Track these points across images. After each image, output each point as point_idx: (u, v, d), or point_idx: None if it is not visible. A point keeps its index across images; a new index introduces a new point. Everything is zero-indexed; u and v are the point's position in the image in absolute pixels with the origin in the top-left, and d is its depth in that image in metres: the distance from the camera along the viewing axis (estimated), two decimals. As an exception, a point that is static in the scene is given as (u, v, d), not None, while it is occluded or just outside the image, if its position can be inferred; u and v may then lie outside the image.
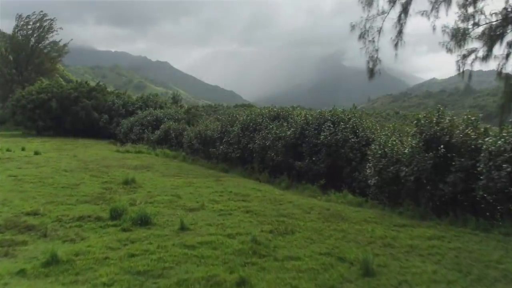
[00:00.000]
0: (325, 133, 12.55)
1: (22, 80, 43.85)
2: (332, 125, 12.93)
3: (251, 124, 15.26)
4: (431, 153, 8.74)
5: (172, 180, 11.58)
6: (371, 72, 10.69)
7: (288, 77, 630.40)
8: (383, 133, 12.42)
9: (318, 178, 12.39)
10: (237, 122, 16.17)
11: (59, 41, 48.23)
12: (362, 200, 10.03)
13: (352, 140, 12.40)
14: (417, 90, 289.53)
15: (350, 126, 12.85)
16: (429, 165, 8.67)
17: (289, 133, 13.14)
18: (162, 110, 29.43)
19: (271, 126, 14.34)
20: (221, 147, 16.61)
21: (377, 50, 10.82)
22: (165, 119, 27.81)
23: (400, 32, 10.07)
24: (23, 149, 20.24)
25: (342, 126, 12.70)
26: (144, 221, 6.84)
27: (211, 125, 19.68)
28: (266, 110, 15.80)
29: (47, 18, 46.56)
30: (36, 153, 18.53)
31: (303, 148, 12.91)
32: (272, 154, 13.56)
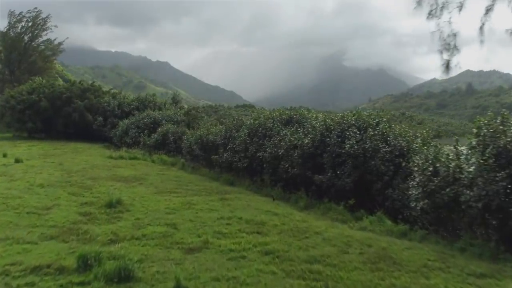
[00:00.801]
0: (350, 141, 10.50)
1: (14, 79, 41.85)
2: (358, 131, 10.90)
3: (260, 129, 13.22)
4: (502, 172, 6.71)
5: (168, 200, 9.50)
6: (447, 66, 7.82)
7: (289, 78, 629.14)
8: (421, 141, 10.43)
9: (342, 195, 10.36)
10: (243, 126, 14.13)
11: (54, 39, 46.24)
12: (405, 228, 7.97)
13: (384, 149, 10.37)
14: (418, 91, 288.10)
15: (379, 132, 10.83)
16: (501, 187, 6.64)
17: (306, 141, 11.08)
18: (160, 112, 27.40)
19: (284, 132, 12.30)
20: (225, 154, 14.56)
21: (455, 35, 7.92)
22: (163, 121, 25.80)
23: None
24: (4, 155, 18.19)
25: (371, 132, 10.66)
26: (124, 276, 4.80)
27: (213, 129, 17.65)
28: (277, 113, 13.75)
29: (41, 15, 44.61)
30: (17, 160, 16.49)
31: (324, 159, 10.86)
32: (287, 166, 11.51)
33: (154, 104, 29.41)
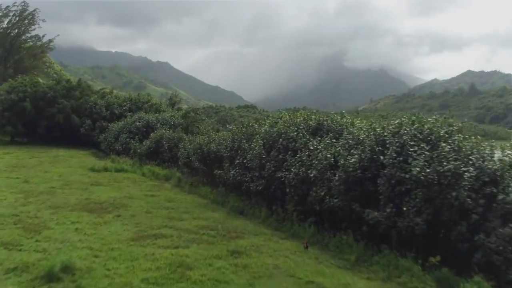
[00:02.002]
0: (418, 162, 7.18)
1: (-1, 78, 38.49)
2: (426, 147, 7.57)
3: (280, 140, 9.86)
4: None
5: (150, 256, 6.08)
6: None
7: (289, 78, 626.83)
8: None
9: (408, 242, 7.05)
10: (257, 136, 10.76)
11: (43, 36, 42.89)
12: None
13: (468, 174, 7.06)
14: (419, 91, 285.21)
15: (455, 148, 7.52)
16: None
17: (353, 160, 7.72)
18: (155, 114, 24.07)
19: (315, 146, 8.94)
20: (232, 171, 11.20)
21: None
22: (158, 125, 22.49)
23: None
24: (-39, 168, 14.93)
25: (446, 148, 7.33)
26: None
27: (216, 136, 14.31)
28: (301, 118, 10.38)
29: (28, 9, 41.26)
30: (-29, 176, 13.22)
31: (380, 187, 7.51)
32: (322, 193, 8.17)
33: (149, 105, 26.00)
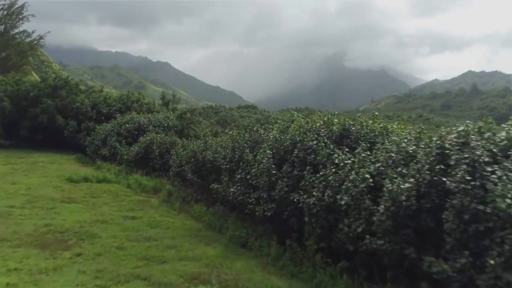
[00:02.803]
0: (504, 188, 4.88)
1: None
2: (510, 166, 5.26)
3: (294, 151, 7.52)
4: None
5: None
6: None
7: (290, 78, 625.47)
8: None
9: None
10: (264, 145, 8.40)
11: (32, 32, 40.58)
12: None
13: None
14: (419, 91, 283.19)
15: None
16: None
17: (407, 185, 5.38)
18: (147, 115, 21.74)
19: (344, 160, 6.58)
20: (232, 188, 8.86)
21: None
22: (151, 127, 20.18)
23: None
24: None
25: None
26: None
27: (214, 141, 11.97)
28: (320, 122, 8.02)
29: (17, 3, 39.02)
30: None
31: (446, 223, 5.19)
32: (358, 229, 5.83)
33: (139, 104, 23.61)
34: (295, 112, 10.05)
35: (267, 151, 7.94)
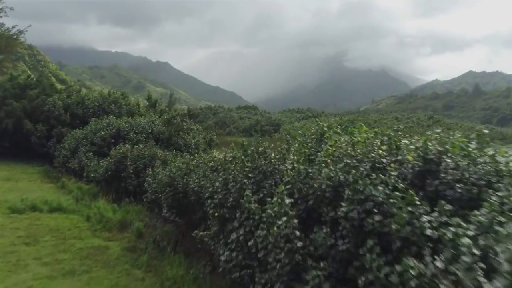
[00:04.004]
0: None
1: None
2: None
3: (342, 204, 3.96)
4: None
5: None
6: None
7: (290, 79, 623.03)
8: None
9: None
10: (281, 188, 4.76)
11: (13, 27, 36.88)
12: None
13: None
14: (420, 92, 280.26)
15: None
16: None
17: None
18: (127, 119, 18.16)
19: (446, 234, 3.01)
20: (222, 256, 5.27)
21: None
22: (131, 134, 16.67)
23: None
24: None
25: None
26: None
27: (203, 158, 8.39)
28: (377, 143, 4.44)
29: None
30: None
31: None
32: None
33: (118, 106, 19.93)
34: (319, 121, 6.47)
35: (285, 199, 4.31)
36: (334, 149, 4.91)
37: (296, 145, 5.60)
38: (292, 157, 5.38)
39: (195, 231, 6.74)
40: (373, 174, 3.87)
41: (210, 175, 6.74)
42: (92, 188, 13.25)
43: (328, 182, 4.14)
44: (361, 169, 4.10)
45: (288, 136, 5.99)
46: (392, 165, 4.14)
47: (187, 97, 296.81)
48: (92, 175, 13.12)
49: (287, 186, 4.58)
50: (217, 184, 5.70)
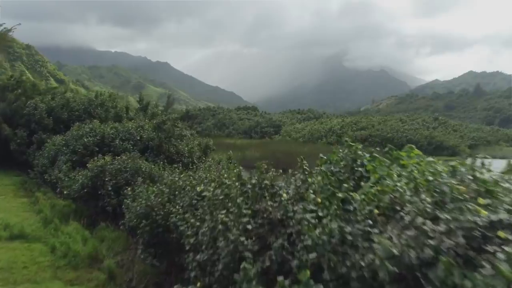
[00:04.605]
0: None
1: None
2: None
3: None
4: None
5: None
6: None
7: (290, 79, 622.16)
8: None
9: None
10: (297, 244, 2.95)
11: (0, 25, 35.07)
12: None
13: None
14: (420, 92, 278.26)
15: None
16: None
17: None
18: (114, 125, 16.33)
19: None
20: None
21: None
22: (117, 141, 14.88)
23: None
24: None
25: None
26: None
27: (191, 180, 6.62)
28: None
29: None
30: None
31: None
32: None
33: (106, 109, 18.06)
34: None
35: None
36: (380, 189, 3.08)
37: (319, 177, 3.76)
38: (312, 195, 3.56)
39: (177, 286, 4.91)
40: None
41: (194, 211, 4.94)
42: (67, 206, 11.45)
43: (389, 266, 2.31)
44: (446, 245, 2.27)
45: (304, 162, 4.13)
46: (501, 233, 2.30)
47: (187, 97, 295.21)
48: (65, 192, 11.29)
49: (311, 258, 2.75)
50: (200, 236, 3.87)
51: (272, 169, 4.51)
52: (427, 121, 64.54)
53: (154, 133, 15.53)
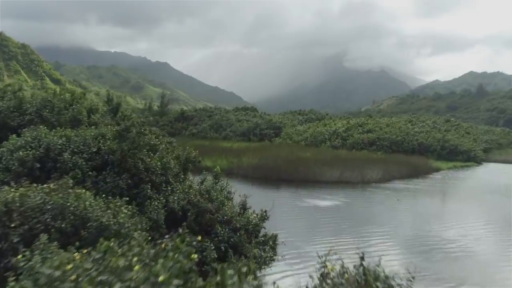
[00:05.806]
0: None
1: None
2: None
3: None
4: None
5: None
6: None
7: (290, 79, 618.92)
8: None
9: None
10: None
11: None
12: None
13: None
14: (421, 92, 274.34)
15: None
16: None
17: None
18: (66, 133, 12.53)
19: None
20: None
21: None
22: (66, 155, 11.22)
23: None
24: None
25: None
26: None
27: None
28: None
29: None
30: None
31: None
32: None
33: (58, 112, 14.19)
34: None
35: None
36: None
37: None
38: None
39: None
40: None
41: None
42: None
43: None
44: None
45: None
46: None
47: (186, 98, 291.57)
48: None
49: None
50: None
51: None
52: (438, 122, 60.64)
53: (116, 142, 11.81)
